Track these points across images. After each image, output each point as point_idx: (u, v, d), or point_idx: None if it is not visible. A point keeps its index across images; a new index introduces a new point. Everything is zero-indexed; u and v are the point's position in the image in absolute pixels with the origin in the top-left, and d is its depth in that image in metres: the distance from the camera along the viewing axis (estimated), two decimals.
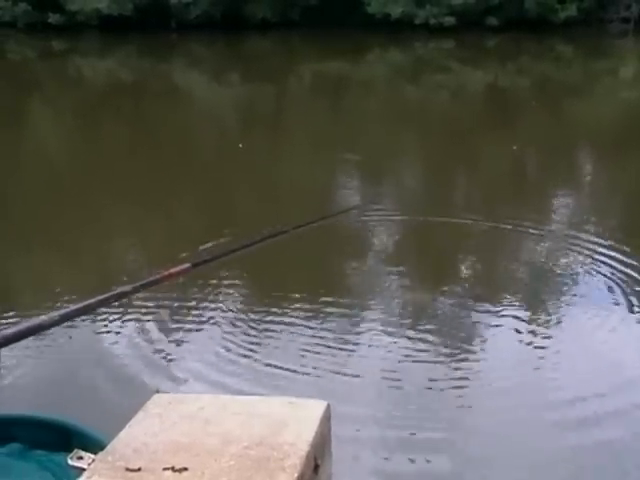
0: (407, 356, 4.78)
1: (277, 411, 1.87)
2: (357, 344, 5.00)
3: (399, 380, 4.44)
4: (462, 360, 4.74)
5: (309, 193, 8.79)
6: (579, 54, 22.49)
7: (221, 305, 5.57)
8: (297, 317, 5.33)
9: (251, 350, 4.88)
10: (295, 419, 1.82)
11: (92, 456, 1.79)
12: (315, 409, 1.87)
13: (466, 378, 4.53)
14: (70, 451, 2.58)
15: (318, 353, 4.80)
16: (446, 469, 3.65)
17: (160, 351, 4.84)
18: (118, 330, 5.22)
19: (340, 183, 9.78)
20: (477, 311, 5.46)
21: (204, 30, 25.12)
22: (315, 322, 5.29)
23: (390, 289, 5.93)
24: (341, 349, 4.86)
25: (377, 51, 23.31)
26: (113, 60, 22.75)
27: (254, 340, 5.03)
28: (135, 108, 15.05)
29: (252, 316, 5.36)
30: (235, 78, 19.63)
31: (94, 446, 2.47)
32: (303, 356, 4.73)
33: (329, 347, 4.89)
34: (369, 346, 4.92)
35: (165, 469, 1.66)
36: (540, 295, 5.85)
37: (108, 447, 1.74)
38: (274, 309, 5.46)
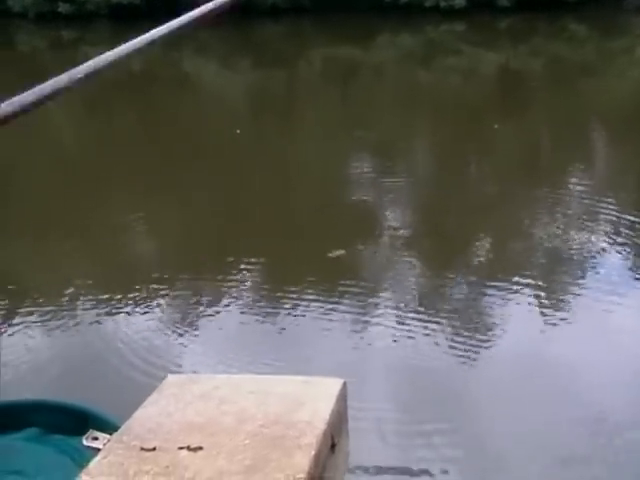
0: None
1: (292, 389, 1.85)
2: (371, 324, 4.99)
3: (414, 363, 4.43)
4: (475, 346, 4.71)
5: (321, 177, 8.77)
6: (593, 33, 22.22)
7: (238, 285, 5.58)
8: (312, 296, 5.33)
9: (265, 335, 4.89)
10: (311, 397, 1.80)
11: (107, 436, 1.78)
12: (331, 387, 1.85)
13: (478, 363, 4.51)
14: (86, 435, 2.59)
15: (333, 335, 4.80)
16: (457, 455, 3.62)
17: (177, 334, 4.86)
18: (135, 313, 5.24)
19: (352, 166, 9.74)
20: (491, 291, 5.43)
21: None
22: (330, 304, 5.27)
23: (404, 269, 5.91)
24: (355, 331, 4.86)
25: (387, 35, 23.14)
26: None
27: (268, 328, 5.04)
28: (145, 96, 15.04)
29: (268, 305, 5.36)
30: (245, 64, 19.56)
31: (110, 429, 2.47)
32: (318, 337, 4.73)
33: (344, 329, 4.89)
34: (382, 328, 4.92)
35: (180, 448, 1.65)
36: (557, 275, 5.82)
37: (122, 427, 1.73)
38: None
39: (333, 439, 1.72)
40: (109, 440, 1.68)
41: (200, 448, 1.63)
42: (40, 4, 26.36)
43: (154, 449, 1.64)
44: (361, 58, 19.36)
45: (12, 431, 2.65)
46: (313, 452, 1.59)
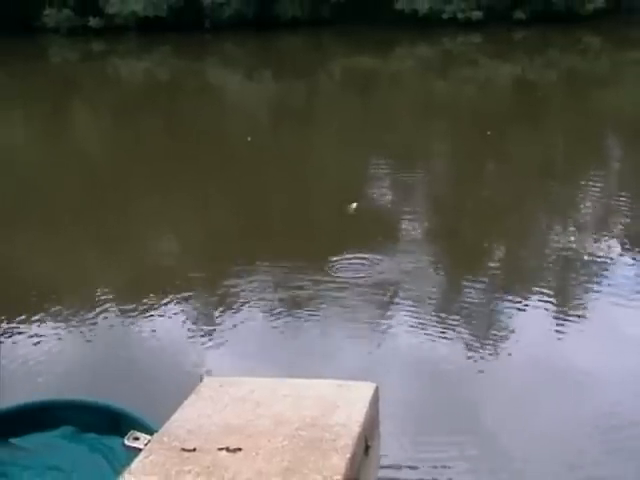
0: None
1: (326, 393, 1.85)
2: (385, 326, 4.97)
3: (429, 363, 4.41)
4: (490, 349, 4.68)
5: (339, 184, 8.77)
6: (607, 45, 22.06)
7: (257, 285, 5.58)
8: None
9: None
10: (345, 401, 1.80)
11: (147, 437, 1.79)
12: (364, 391, 1.85)
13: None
14: (119, 434, 2.60)
15: (350, 335, 4.78)
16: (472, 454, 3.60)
17: (205, 336, 4.87)
18: (161, 317, 5.25)
19: (369, 172, 9.74)
20: (506, 298, 5.39)
21: (237, 29, 25.13)
22: (346, 304, 5.26)
23: (421, 272, 5.89)
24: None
25: (406, 46, 23.12)
26: (150, 60, 22.87)
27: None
28: (171, 105, 15.11)
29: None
30: (267, 75, 19.62)
31: (142, 429, 2.48)
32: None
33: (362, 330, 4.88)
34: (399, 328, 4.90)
35: (220, 449, 1.66)
36: (571, 283, 5.77)
37: (163, 428, 1.74)
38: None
39: (367, 442, 1.73)
40: (150, 441, 1.69)
41: (239, 449, 1.64)
42: (72, 19, 26.67)
43: (194, 450, 1.66)
44: (380, 68, 19.36)
45: (50, 429, 2.67)
46: (349, 455, 1.59)
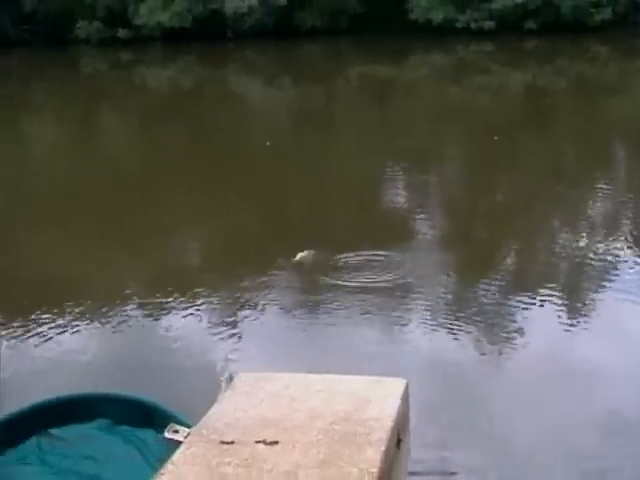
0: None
1: (359, 388, 1.84)
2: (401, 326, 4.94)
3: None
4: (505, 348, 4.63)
5: (355, 187, 8.75)
6: (615, 55, 21.88)
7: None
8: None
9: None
10: (377, 396, 1.79)
11: (187, 430, 1.79)
12: (395, 387, 1.84)
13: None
14: (151, 427, 2.61)
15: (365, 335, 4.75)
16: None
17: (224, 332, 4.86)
18: (190, 314, 5.25)
19: (385, 177, 9.71)
20: (518, 298, 5.34)
21: (258, 38, 25.20)
22: (362, 303, 5.23)
23: (434, 271, 5.85)
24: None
25: (420, 54, 23.06)
26: (174, 69, 22.98)
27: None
28: (194, 111, 15.16)
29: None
30: (287, 82, 19.65)
31: (173, 423, 2.49)
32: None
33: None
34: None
35: (257, 442, 1.65)
36: (582, 282, 5.71)
37: (201, 422, 1.74)
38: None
39: (399, 435, 1.71)
40: (189, 434, 1.68)
41: (276, 442, 1.63)
42: (102, 31, 26.96)
43: (233, 442, 1.65)
44: (395, 76, 19.32)
45: (86, 421, 2.69)
46: (383, 448, 1.58)
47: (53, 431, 2.66)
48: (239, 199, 8.47)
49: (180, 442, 1.73)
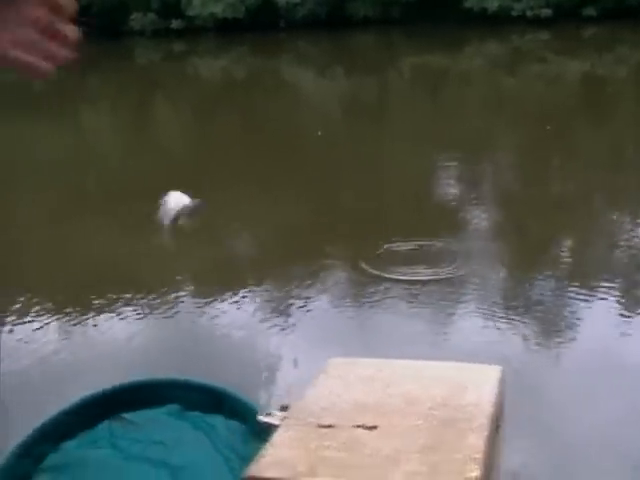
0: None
1: (453, 374, 1.82)
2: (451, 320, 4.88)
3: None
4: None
5: (407, 177, 8.67)
6: None
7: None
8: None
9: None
10: (473, 382, 1.77)
11: (280, 414, 1.80)
12: (491, 372, 1.82)
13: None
14: (221, 413, 2.65)
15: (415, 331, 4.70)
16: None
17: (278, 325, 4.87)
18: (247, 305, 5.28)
19: (438, 167, 9.60)
20: (573, 293, 5.22)
21: (310, 28, 25.21)
22: (413, 296, 5.17)
23: (489, 263, 5.76)
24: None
25: (475, 44, 22.72)
26: (227, 59, 23.16)
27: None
28: (246, 101, 15.26)
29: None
30: (339, 72, 19.61)
31: (243, 409, 2.52)
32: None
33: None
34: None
35: (355, 426, 1.65)
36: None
37: (296, 405, 1.74)
38: None
39: (498, 421, 1.69)
40: (286, 417, 1.69)
41: (374, 427, 1.63)
42: (156, 22, 27.37)
43: (330, 426, 1.65)
44: (449, 66, 19.10)
45: (156, 406, 2.74)
46: (486, 434, 1.56)
47: (126, 415, 2.71)
48: (290, 189, 8.48)
49: (275, 425, 1.74)
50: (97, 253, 6.38)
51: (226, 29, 26.12)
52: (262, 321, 4.98)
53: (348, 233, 6.61)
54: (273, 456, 1.53)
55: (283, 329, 4.85)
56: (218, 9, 26.41)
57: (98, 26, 27.13)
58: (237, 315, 5.13)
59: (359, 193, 8.07)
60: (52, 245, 6.78)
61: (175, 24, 27.07)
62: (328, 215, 7.34)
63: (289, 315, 5.07)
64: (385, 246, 6.10)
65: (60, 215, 7.78)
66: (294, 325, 4.92)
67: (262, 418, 1.86)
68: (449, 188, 8.65)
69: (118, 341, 4.81)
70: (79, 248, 6.58)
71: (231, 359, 4.48)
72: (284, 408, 1.81)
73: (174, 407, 2.70)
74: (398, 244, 6.07)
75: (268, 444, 1.60)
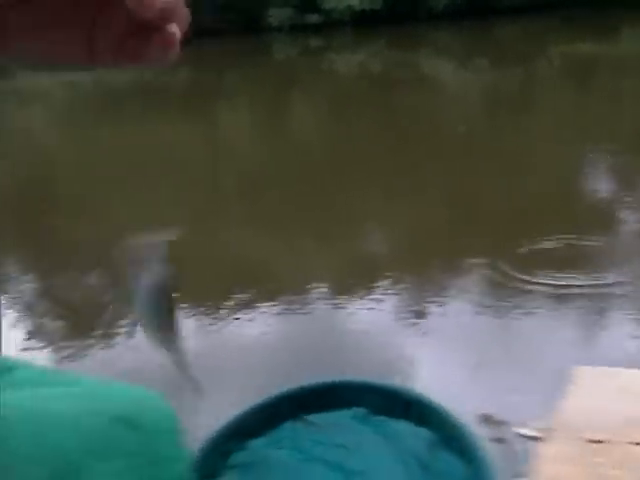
0: None
1: None
2: None
3: None
4: None
5: (557, 177, 8.12)
6: None
7: None
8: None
9: None
10: None
11: (538, 427, 1.60)
12: None
13: None
14: (408, 419, 2.48)
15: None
16: None
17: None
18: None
19: (590, 164, 8.96)
20: None
21: (451, 18, 24.69)
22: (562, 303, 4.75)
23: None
24: None
25: (633, 29, 21.34)
26: (364, 53, 23.09)
27: None
28: (383, 96, 15.06)
29: None
30: (484, 63, 18.99)
31: (432, 416, 2.32)
32: None
33: None
34: None
35: (629, 443, 1.41)
36: None
37: (555, 419, 1.54)
38: None
39: None
40: (550, 430, 1.49)
41: None
42: (293, 17, 27.81)
43: (600, 442, 1.42)
44: (604, 54, 18.00)
45: (341, 408, 2.63)
46: None
47: (309, 417, 2.64)
48: (429, 186, 8.19)
49: (535, 438, 1.52)
50: (246, 252, 6.44)
51: (363, 21, 26.08)
52: (398, 322, 4.79)
53: (488, 234, 6.25)
54: (549, 472, 1.33)
55: (422, 332, 4.64)
56: (355, 2, 26.44)
57: (236, 22, 27.94)
58: (372, 316, 4.96)
59: (503, 191, 7.61)
60: (198, 244, 6.87)
61: (312, 19, 27.38)
62: (467, 215, 6.98)
63: (425, 317, 4.85)
64: (527, 247, 5.72)
65: (202, 214, 7.90)
66: (432, 328, 4.69)
67: (522, 431, 1.67)
68: (603, 184, 8.06)
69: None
70: (228, 248, 6.65)
71: (371, 360, 4.29)
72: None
73: (360, 411, 2.61)
74: (543, 246, 5.66)
75: (540, 460, 1.40)
